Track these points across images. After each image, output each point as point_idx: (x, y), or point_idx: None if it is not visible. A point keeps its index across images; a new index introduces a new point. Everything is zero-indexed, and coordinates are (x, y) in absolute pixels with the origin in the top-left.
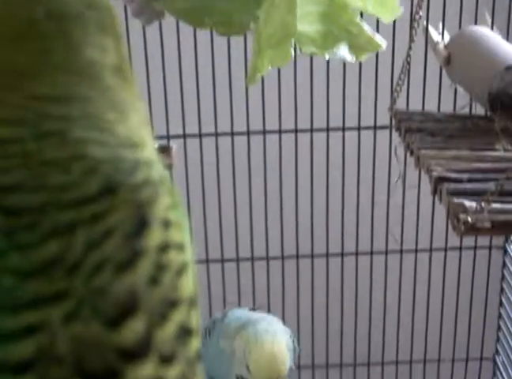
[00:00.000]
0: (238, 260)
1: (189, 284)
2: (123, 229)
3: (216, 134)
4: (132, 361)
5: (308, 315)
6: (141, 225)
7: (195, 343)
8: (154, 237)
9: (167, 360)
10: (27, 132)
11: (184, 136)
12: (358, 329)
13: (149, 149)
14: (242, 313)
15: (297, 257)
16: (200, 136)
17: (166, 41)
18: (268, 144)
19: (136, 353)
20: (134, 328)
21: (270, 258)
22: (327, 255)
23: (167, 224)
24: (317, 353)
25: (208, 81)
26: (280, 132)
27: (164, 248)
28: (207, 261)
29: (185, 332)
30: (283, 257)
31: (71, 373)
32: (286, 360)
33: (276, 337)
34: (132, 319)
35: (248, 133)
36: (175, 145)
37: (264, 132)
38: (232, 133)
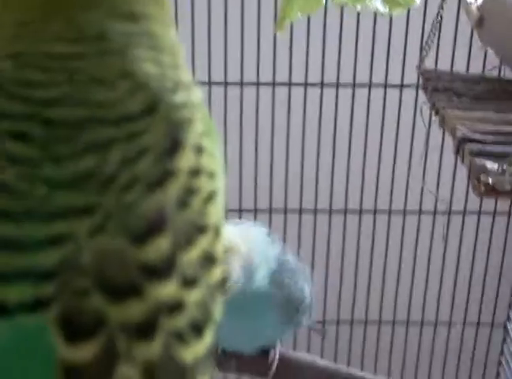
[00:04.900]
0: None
1: (216, 213)
2: (157, 148)
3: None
4: (154, 278)
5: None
6: (175, 145)
7: (218, 273)
8: (186, 159)
9: (188, 283)
10: (86, 49)
11: None
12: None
13: (187, 73)
14: None
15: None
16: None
17: None
18: (293, 97)
19: (159, 271)
20: (160, 246)
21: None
22: (345, 212)
23: (199, 150)
24: (329, 309)
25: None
26: (305, 85)
27: (195, 172)
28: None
29: (208, 260)
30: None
31: (92, 284)
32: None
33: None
34: (158, 237)
35: (274, 84)
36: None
37: (289, 84)
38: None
